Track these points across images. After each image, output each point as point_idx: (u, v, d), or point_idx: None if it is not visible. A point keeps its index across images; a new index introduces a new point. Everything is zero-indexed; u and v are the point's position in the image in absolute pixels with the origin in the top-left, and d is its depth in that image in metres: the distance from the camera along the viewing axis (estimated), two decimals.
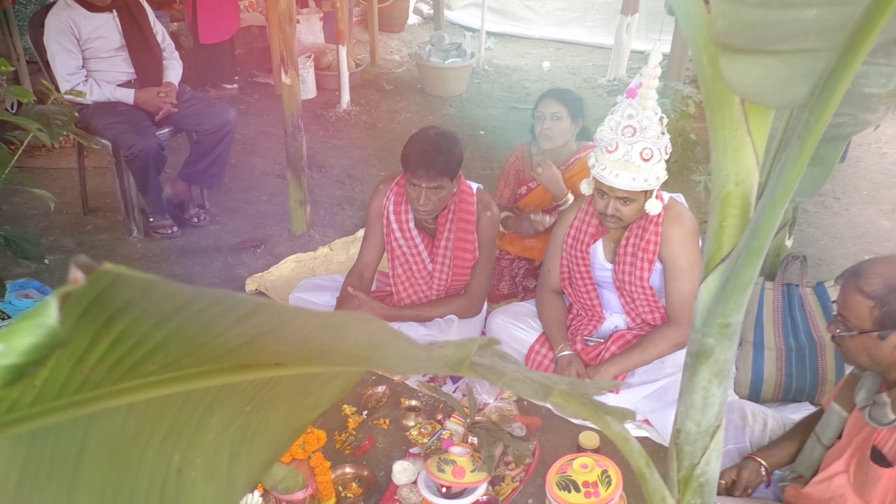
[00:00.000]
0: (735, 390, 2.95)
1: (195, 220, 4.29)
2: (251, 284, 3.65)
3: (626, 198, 2.66)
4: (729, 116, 0.87)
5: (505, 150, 5.00)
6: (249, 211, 4.47)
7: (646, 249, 2.79)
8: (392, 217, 3.05)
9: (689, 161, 4.10)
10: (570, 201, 3.29)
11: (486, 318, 3.24)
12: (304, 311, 0.62)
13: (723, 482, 2.23)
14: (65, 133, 2.42)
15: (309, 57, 6.46)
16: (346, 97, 6.18)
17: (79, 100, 3.61)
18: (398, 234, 3.06)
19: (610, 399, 2.86)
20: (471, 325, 3.14)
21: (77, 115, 3.29)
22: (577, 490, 2.28)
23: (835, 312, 1.92)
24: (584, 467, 2.34)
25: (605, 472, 2.34)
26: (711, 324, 0.95)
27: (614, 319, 3.05)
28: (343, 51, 5.97)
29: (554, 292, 3.09)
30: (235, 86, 6.49)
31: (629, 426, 2.81)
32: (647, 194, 2.69)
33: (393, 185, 3.07)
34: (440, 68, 6.63)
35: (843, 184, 5.07)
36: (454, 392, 2.95)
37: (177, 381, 0.63)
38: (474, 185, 3.08)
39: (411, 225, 3.04)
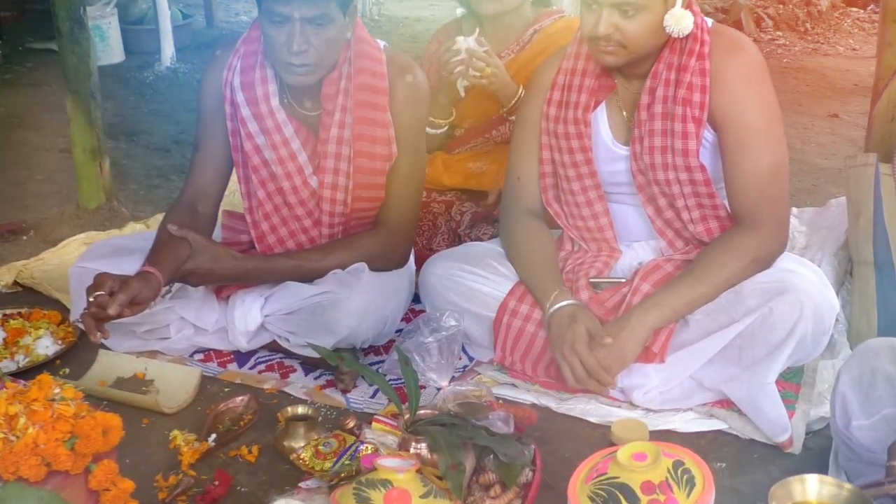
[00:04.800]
0: (850, 341, 2.66)
1: None
2: (6, 276, 3.27)
3: (627, 3, 2.23)
4: None
5: None
6: (12, 193, 4.26)
7: (687, 100, 2.32)
8: (240, 95, 2.51)
9: None
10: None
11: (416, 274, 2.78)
12: None
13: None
14: None
15: (108, 3, 6.36)
16: (168, 51, 6.11)
17: None
18: (253, 127, 2.52)
19: (650, 376, 2.38)
20: (392, 281, 2.62)
21: None
22: (635, 500, 1.75)
23: None
24: (639, 459, 1.81)
25: (678, 464, 1.82)
26: None
27: (637, 252, 2.59)
28: None
29: (530, 214, 2.62)
30: None
31: (688, 418, 2.30)
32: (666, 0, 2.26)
33: (239, 44, 2.59)
34: None
35: None
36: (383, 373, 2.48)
37: None
38: (381, 42, 2.60)
39: (274, 103, 2.50)
